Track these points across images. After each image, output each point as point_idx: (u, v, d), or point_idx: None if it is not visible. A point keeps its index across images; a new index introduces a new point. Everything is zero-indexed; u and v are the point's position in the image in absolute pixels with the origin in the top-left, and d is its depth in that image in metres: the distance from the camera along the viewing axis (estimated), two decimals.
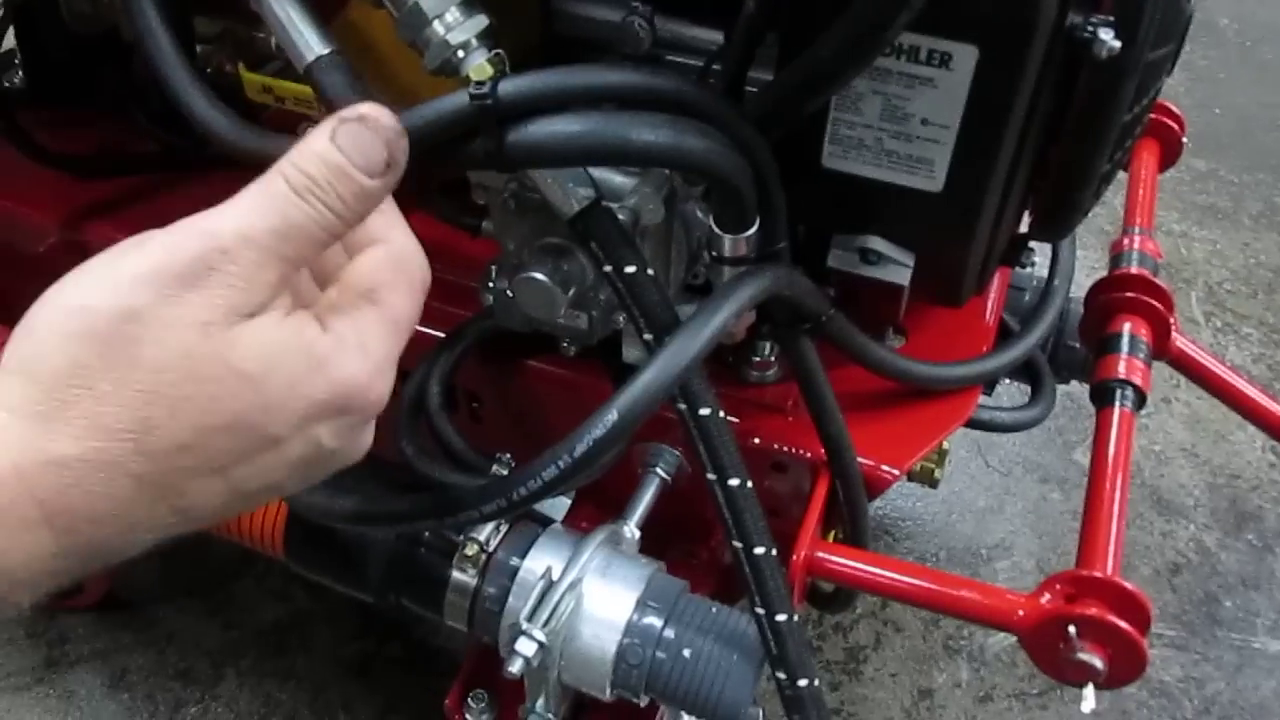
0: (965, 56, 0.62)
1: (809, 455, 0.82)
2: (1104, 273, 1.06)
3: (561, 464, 0.56)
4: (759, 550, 0.67)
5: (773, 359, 0.85)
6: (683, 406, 0.64)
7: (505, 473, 0.81)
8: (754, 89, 0.69)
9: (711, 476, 0.66)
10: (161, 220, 1.07)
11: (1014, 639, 1.25)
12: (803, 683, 0.69)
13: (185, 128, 1.06)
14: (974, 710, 1.22)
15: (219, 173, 1.07)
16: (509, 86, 0.55)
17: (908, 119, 0.66)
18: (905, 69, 0.63)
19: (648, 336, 0.65)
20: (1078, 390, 1.46)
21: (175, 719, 1.17)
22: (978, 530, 1.41)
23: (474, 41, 0.62)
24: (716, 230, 0.67)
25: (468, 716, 0.84)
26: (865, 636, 1.28)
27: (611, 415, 0.55)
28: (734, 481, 0.66)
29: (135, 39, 0.65)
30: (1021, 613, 0.76)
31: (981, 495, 1.45)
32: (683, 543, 0.95)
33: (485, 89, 0.54)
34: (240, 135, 0.61)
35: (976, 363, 0.87)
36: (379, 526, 0.72)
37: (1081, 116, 0.68)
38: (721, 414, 0.65)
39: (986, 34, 0.60)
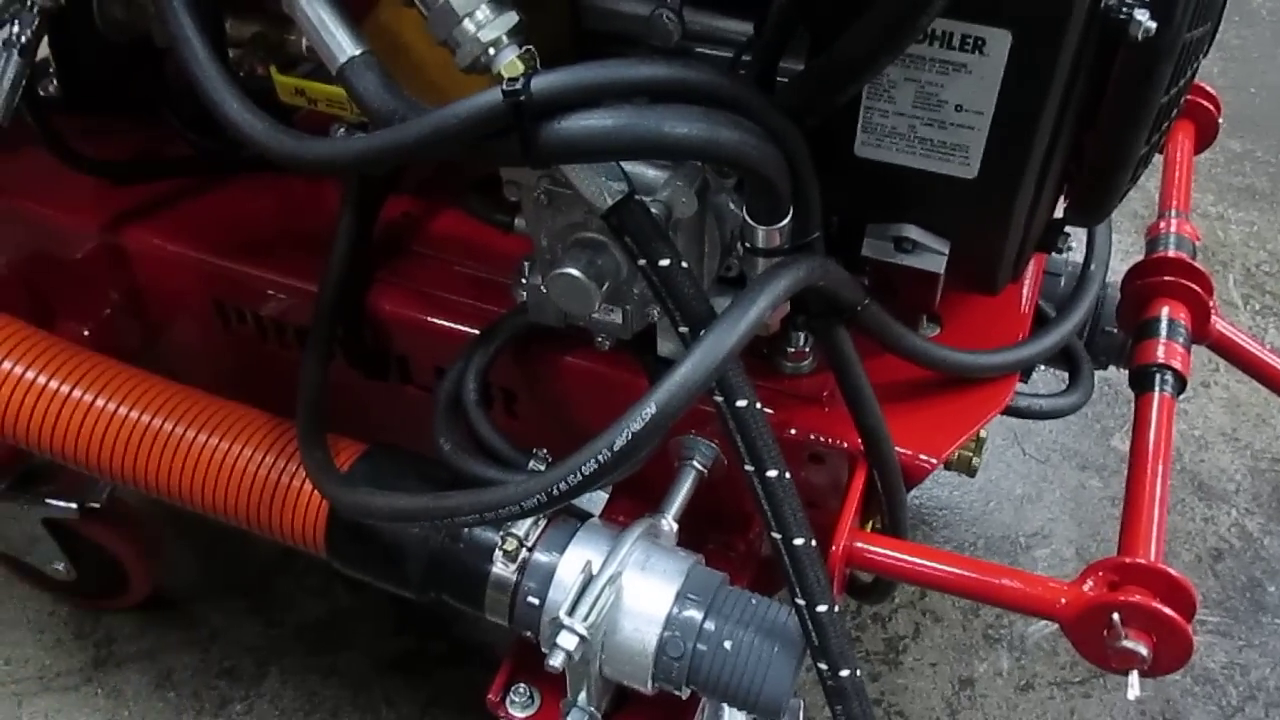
0: (999, 41, 0.61)
1: (846, 446, 0.82)
2: (1139, 257, 1.05)
3: (601, 458, 0.56)
4: (798, 541, 0.67)
5: (808, 350, 0.85)
6: (720, 398, 0.64)
7: (543, 468, 0.81)
8: (784, 79, 0.69)
9: (749, 468, 0.66)
10: (197, 223, 1.08)
11: (1055, 627, 1.25)
12: (844, 673, 0.69)
13: (218, 132, 1.08)
14: (1015, 699, 1.22)
15: (252, 176, 1.09)
16: (541, 83, 0.55)
17: (941, 105, 0.65)
18: (938, 55, 0.63)
19: (683, 329, 0.65)
20: (1115, 377, 1.44)
21: (222, 716, 1.19)
22: (1016, 519, 1.40)
23: (504, 39, 0.62)
24: (750, 222, 0.67)
25: (510, 710, 0.84)
26: (904, 627, 1.28)
27: (649, 409, 0.56)
28: (772, 473, 0.66)
29: (169, 44, 0.65)
30: (1064, 601, 0.76)
31: (1019, 483, 1.44)
32: (720, 535, 0.95)
33: (518, 85, 0.54)
34: (275, 138, 0.62)
35: (1013, 350, 0.86)
36: (419, 523, 0.73)
37: (1118, 99, 0.68)
38: (758, 405, 0.65)
39: (1020, 18, 0.60)
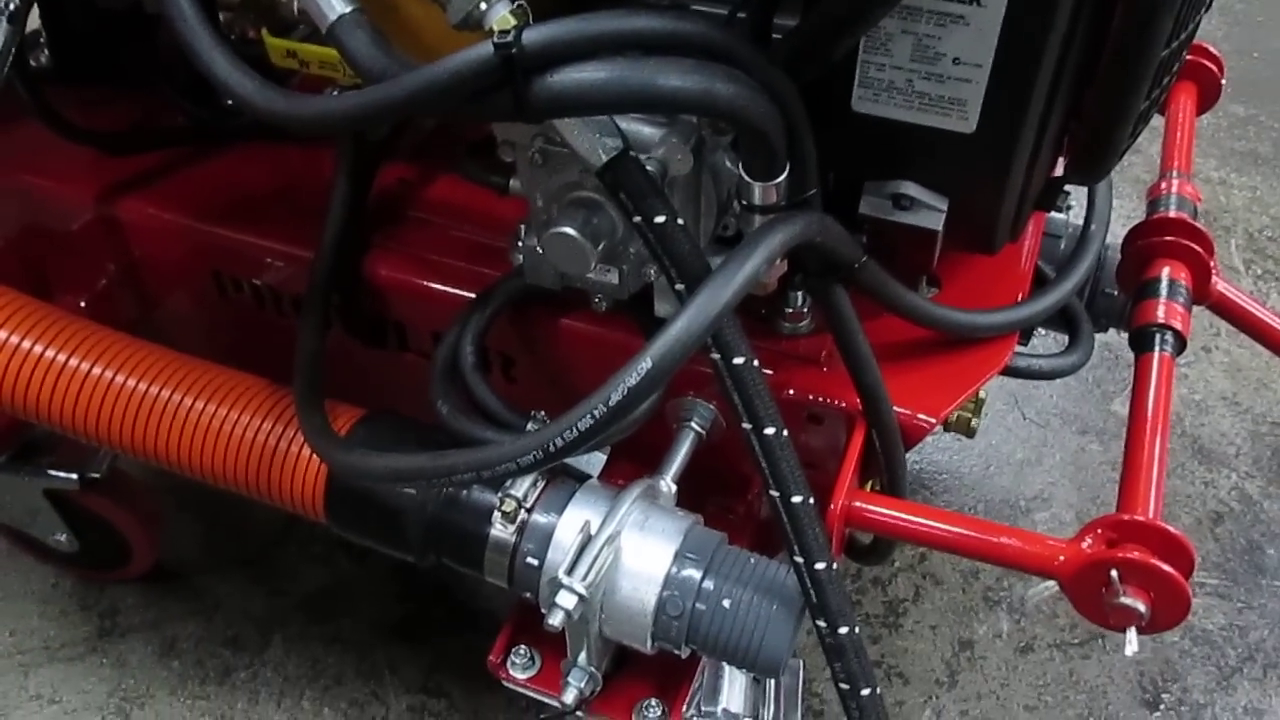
0: None
1: (844, 406, 0.82)
2: (1141, 221, 1.04)
3: (596, 413, 0.56)
4: (796, 499, 0.67)
5: (805, 310, 0.85)
6: (716, 356, 0.64)
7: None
8: (779, 35, 0.69)
9: (747, 426, 0.66)
10: (193, 193, 1.08)
11: (1054, 589, 1.25)
12: (843, 630, 0.69)
13: (212, 100, 1.08)
14: (1015, 661, 1.22)
15: (247, 145, 1.09)
16: (533, 35, 0.54)
17: (939, 59, 0.65)
18: (936, 7, 0.62)
19: (679, 287, 0.65)
20: (1115, 341, 1.44)
21: (225, 684, 1.19)
22: (1016, 482, 1.40)
23: None
24: (746, 178, 0.66)
25: (511, 672, 0.84)
26: (904, 590, 1.28)
27: (645, 363, 0.55)
28: (770, 430, 0.66)
29: (158, 8, 0.65)
30: (1062, 558, 0.76)
31: (1019, 447, 1.44)
32: (718, 498, 0.95)
33: (509, 38, 0.54)
34: (265, 97, 0.61)
35: (1012, 310, 0.86)
36: (417, 483, 0.72)
37: (1118, 52, 0.67)
38: (756, 362, 0.65)
39: None
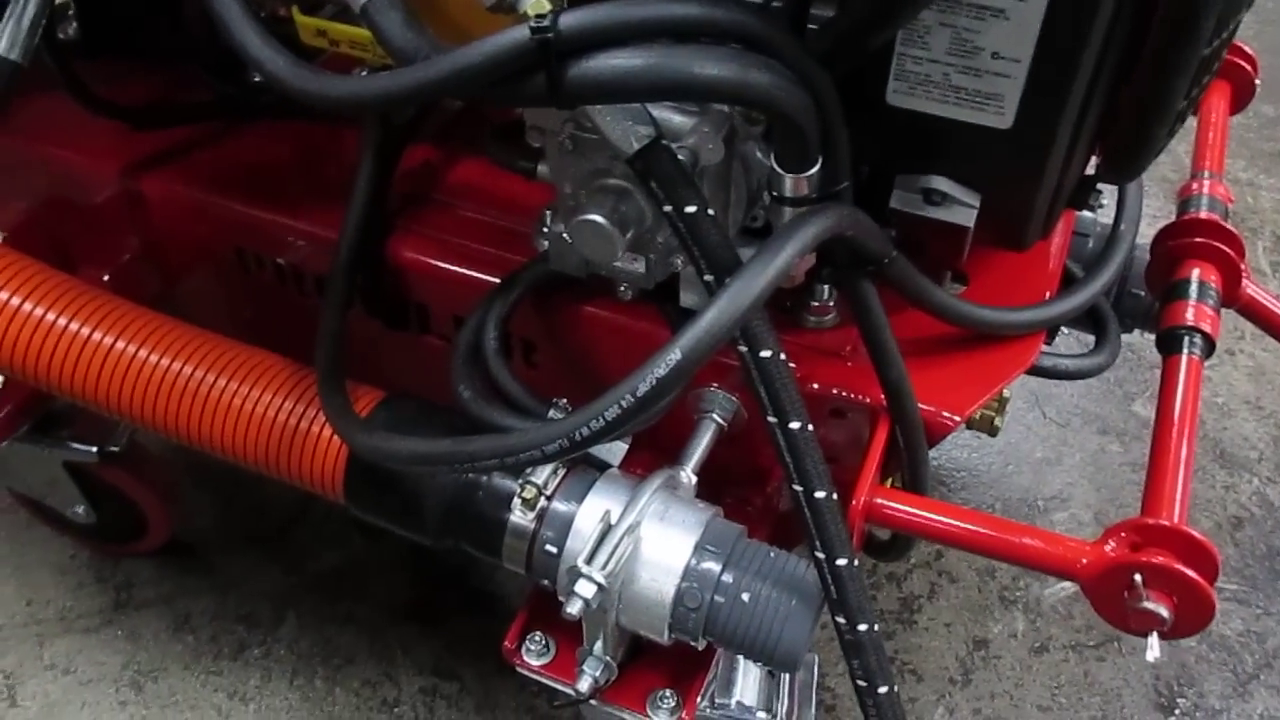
0: None
1: (868, 401, 0.81)
2: (1168, 221, 1.03)
3: (624, 403, 0.56)
4: (819, 494, 0.66)
5: (831, 304, 0.84)
6: (744, 348, 0.63)
7: (561, 416, 0.81)
8: (814, 25, 0.68)
9: (772, 419, 0.65)
10: (218, 169, 1.07)
11: (1071, 590, 1.25)
12: (862, 627, 0.69)
13: (239, 77, 1.08)
14: (1029, 661, 1.22)
15: (272, 122, 1.08)
16: (570, 20, 0.54)
17: (977, 53, 0.64)
18: (975, 0, 0.62)
19: (708, 277, 0.64)
20: (1139, 341, 1.43)
21: (239, 661, 1.20)
22: (1035, 481, 1.39)
23: None
24: (777, 169, 0.66)
25: (526, 658, 0.84)
26: (920, 586, 1.27)
27: (674, 355, 0.55)
28: (795, 424, 0.65)
29: None
30: (1085, 561, 0.75)
31: (1039, 446, 1.43)
32: (737, 489, 0.94)
33: (546, 22, 0.53)
34: (298, 76, 0.61)
35: (1041, 308, 0.85)
36: (440, 468, 0.72)
37: (1158, 51, 0.66)
38: (783, 356, 0.64)
39: None
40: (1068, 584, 1.26)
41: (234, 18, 0.63)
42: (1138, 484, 1.38)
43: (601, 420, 0.57)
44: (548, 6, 0.60)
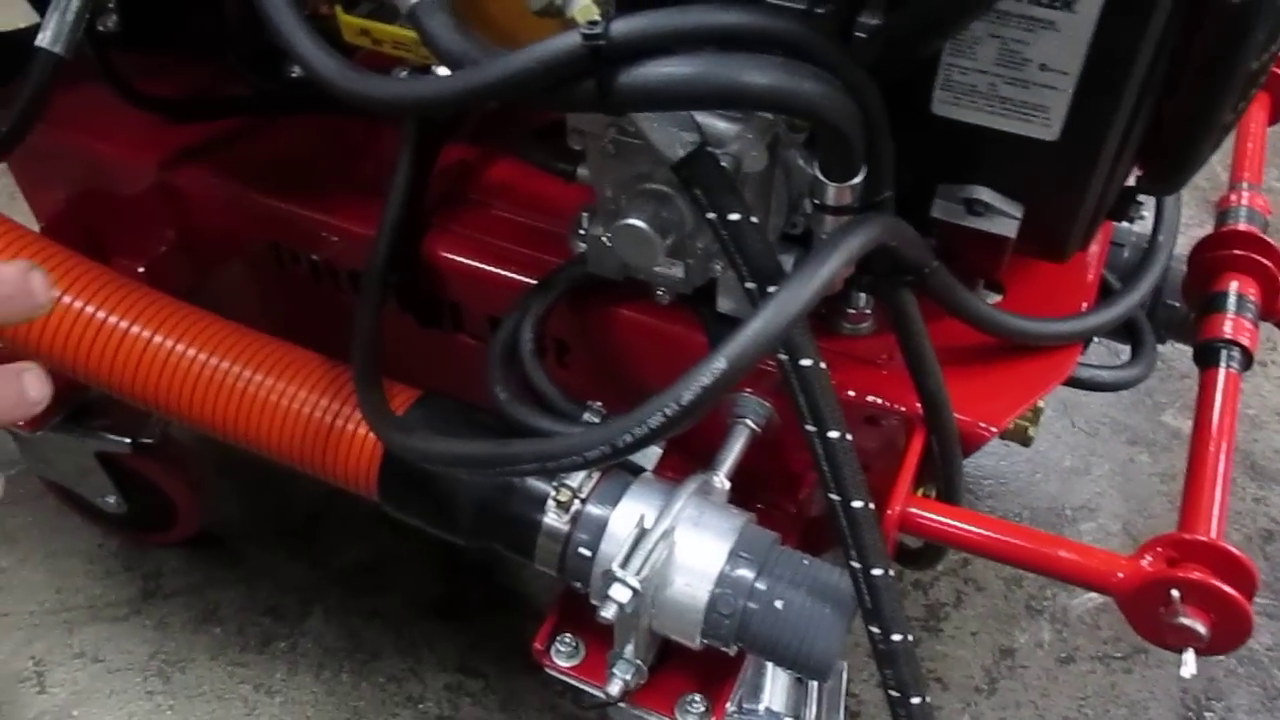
0: None
1: (904, 409, 0.81)
2: (1198, 229, 1.02)
3: (668, 411, 0.56)
4: (857, 504, 0.66)
5: (868, 311, 0.84)
6: (784, 356, 0.63)
7: (598, 420, 0.81)
8: (860, 34, 0.68)
9: (811, 428, 0.65)
10: (255, 164, 1.08)
11: (1098, 601, 1.24)
12: (896, 638, 0.69)
13: (276, 70, 1.08)
14: (1056, 671, 1.21)
15: (309, 117, 1.09)
16: (622, 26, 0.54)
17: (1025, 64, 0.63)
18: (1025, 11, 0.61)
19: (750, 285, 0.64)
20: (1169, 352, 1.42)
21: (265, 653, 1.20)
22: (1063, 490, 1.38)
23: None
24: (821, 178, 0.65)
25: (555, 660, 0.84)
26: (946, 594, 1.27)
27: (720, 363, 0.55)
28: (834, 434, 0.65)
29: None
30: (1121, 575, 0.75)
31: (1067, 455, 1.42)
32: (767, 494, 0.94)
33: (598, 29, 0.53)
34: (347, 78, 0.61)
35: (1081, 319, 0.84)
36: (481, 470, 0.72)
37: (1205, 64, 0.65)
38: (823, 365, 0.64)
39: None
40: (1095, 594, 1.25)
41: (283, 17, 0.63)
42: (1167, 495, 1.38)
43: (645, 427, 0.57)
44: (595, 11, 0.61)
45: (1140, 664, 1.21)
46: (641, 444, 0.58)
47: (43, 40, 0.90)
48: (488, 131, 1.01)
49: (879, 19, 0.64)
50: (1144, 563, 0.75)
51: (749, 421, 0.86)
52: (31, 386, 0.53)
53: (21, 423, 1.10)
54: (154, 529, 1.27)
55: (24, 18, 0.97)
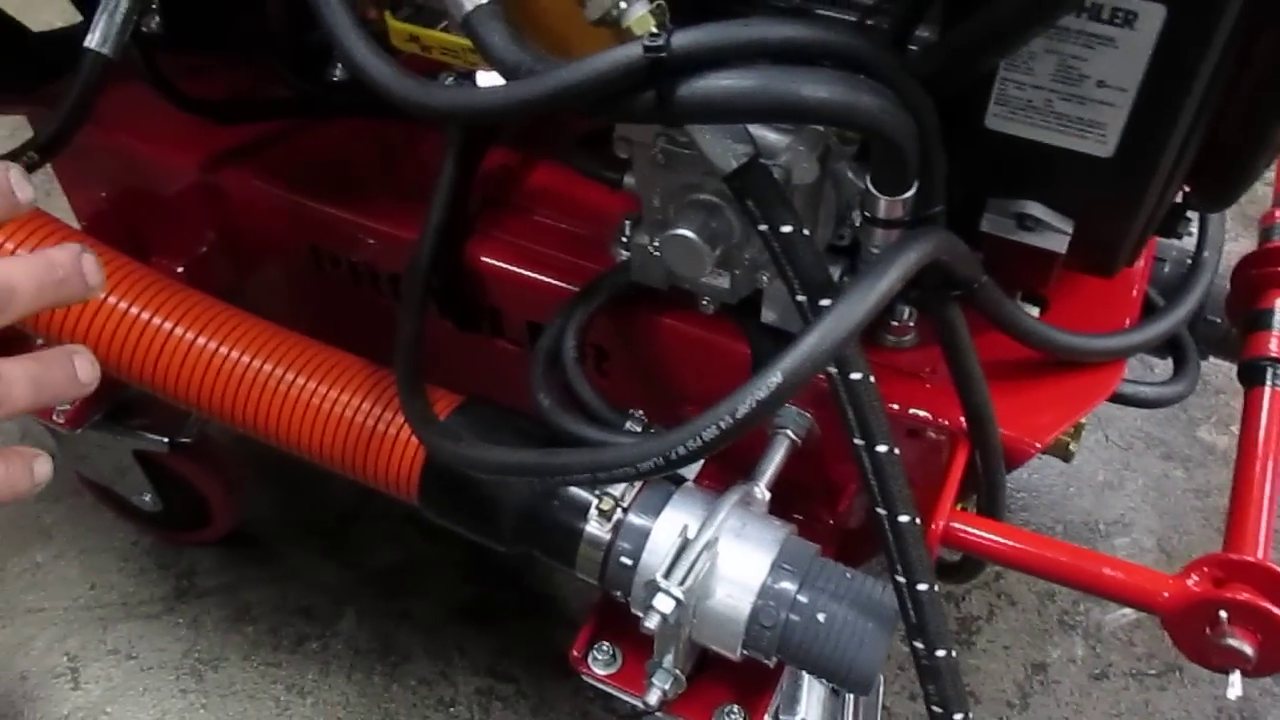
0: (1151, 16, 0.59)
1: (947, 423, 0.81)
2: (1235, 244, 1.01)
3: (723, 424, 0.56)
4: (903, 518, 0.66)
5: (912, 324, 0.84)
6: (834, 370, 0.63)
7: (638, 429, 0.81)
8: (914, 47, 0.68)
9: (859, 442, 0.65)
10: (296, 166, 1.08)
11: (1132, 617, 1.23)
12: (940, 653, 0.69)
13: (318, 73, 1.09)
14: (1089, 687, 1.20)
15: (349, 120, 1.09)
16: (683, 39, 0.54)
17: (1082, 80, 0.63)
18: (1084, 27, 0.61)
19: (801, 298, 0.64)
20: (1205, 366, 1.40)
21: (297, 653, 1.21)
22: (1096, 505, 1.37)
23: None
24: (873, 191, 0.65)
25: (592, 667, 0.84)
26: (979, 607, 1.26)
27: (775, 378, 0.55)
28: (882, 448, 0.65)
29: None
30: (1167, 594, 0.74)
31: (1101, 469, 1.42)
32: (805, 504, 0.94)
33: (660, 41, 0.53)
34: (403, 86, 0.61)
35: (1127, 335, 0.84)
36: (531, 479, 0.72)
37: (1263, 81, 0.65)
38: (872, 379, 0.64)
39: None
40: (1128, 610, 1.24)
41: (340, 24, 0.63)
42: (1202, 511, 1.37)
43: (698, 440, 0.57)
44: (652, 23, 0.61)
45: (1174, 681, 1.20)
46: (694, 457, 0.58)
47: (91, 41, 0.90)
48: (531, 137, 1.01)
49: (937, 33, 0.64)
50: (1190, 582, 0.74)
51: (789, 432, 0.86)
52: (82, 368, 0.54)
53: (62, 420, 1.11)
54: (188, 528, 1.28)
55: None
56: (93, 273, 0.55)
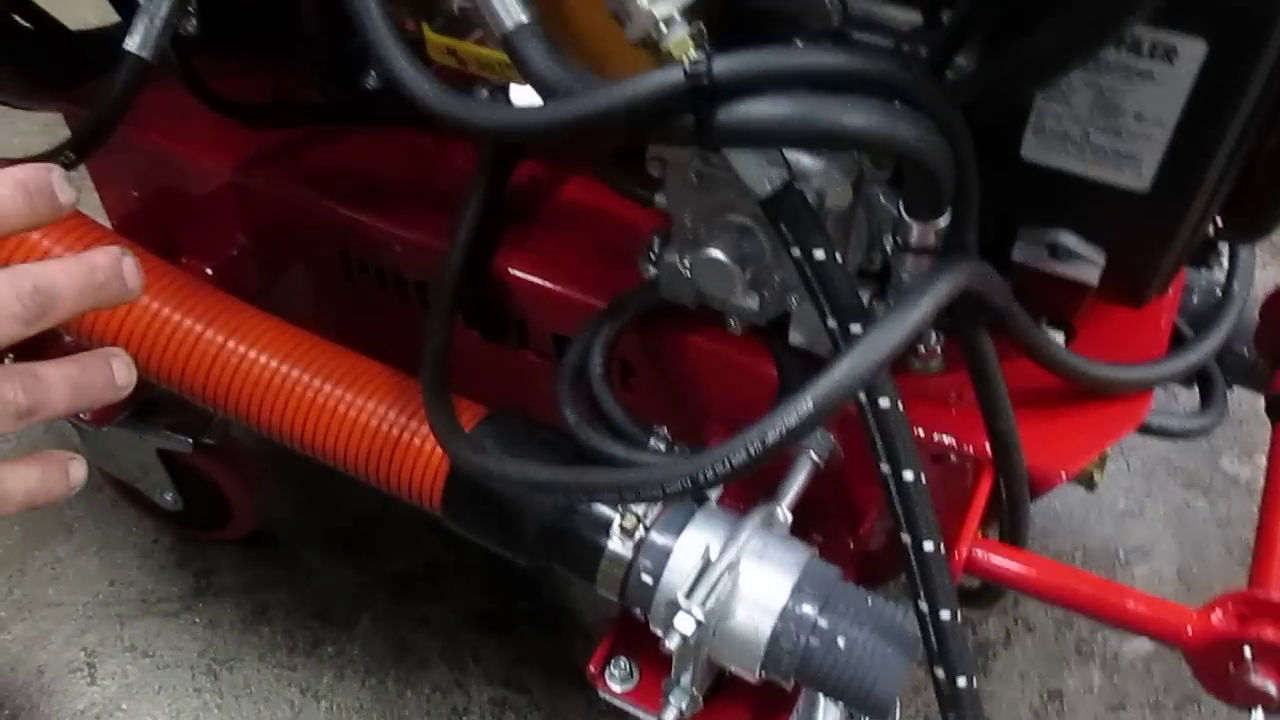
0: (1192, 50, 0.58)
1: (972, 450, 0.80)
2: (1260, 272, 1.00)
3: (752, 449, 0.56)
4: (928, 546, 0.66)
5: (939, 348, 0.83)
6: (863, 396, 0.63)
7: (662, 446, 0.81)
8: (951, 74, 0.67)
9: (886, 468, 0.65)
10: (328, 172, 1.08)
11: (1150, 647, 1.23)
12: (962, 682, 0.68)
13: (351, 80, 1.09)
14: (1105, 717, 1.19)
15: (381, 128, 1.10)
16: (725, 64, 0.54)
17: (1120, 113, 0.63)
18: (1124, 61, 0.61)
19: (832, 323, 0.64)
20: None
21: (313, 656, 1.21)
22: (1116, 532, 1.37)
23: (677, 16, 0.61)
24: (906, 218, 0.65)
25: (609, 683, 0.84)
26: (995, 633, 1.26)
27: (806, 405, 0.55)
28: (909, 475, 0.65)
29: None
30: (1191, 630, 0.74)
31: (1122, 496, 1.41)
32: (823, 525, 0.94)
33: (701, 66, 0.53)
34: (444, 103, 0.62)
35: (1156, 365, 0.84)
36: (553, 495, 0.73)
37: None
38: (901, 406, 0.64)
39: (1219, 28, 0.57)
40: (1146, 640, 1.24)
41: (382, 37, 0.64)
42: (1223, 542, 1.36)
43: (727, 464, 0.57)
44: (691, 46, 0.61)
45: (1192, 714, 1.19)
46: (722, 480, 0.58)
47: (131, 44, 0.91)
48: (562, 150, 1.01)
49: (975, 62, 0.64)
50: (1214, 618, 0.74)
51: (812, 454, 0.86)
52: (120, 372, 0.55)
53: (89, 417, 1.12)
54: (208, 526, 1.29)
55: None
56: (132, 276, 0.56)
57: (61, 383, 0.52)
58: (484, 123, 0.60)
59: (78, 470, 0.55)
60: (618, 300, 0.86)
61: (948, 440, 0.81)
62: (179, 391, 0.91)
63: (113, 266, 0.55)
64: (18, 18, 1.10)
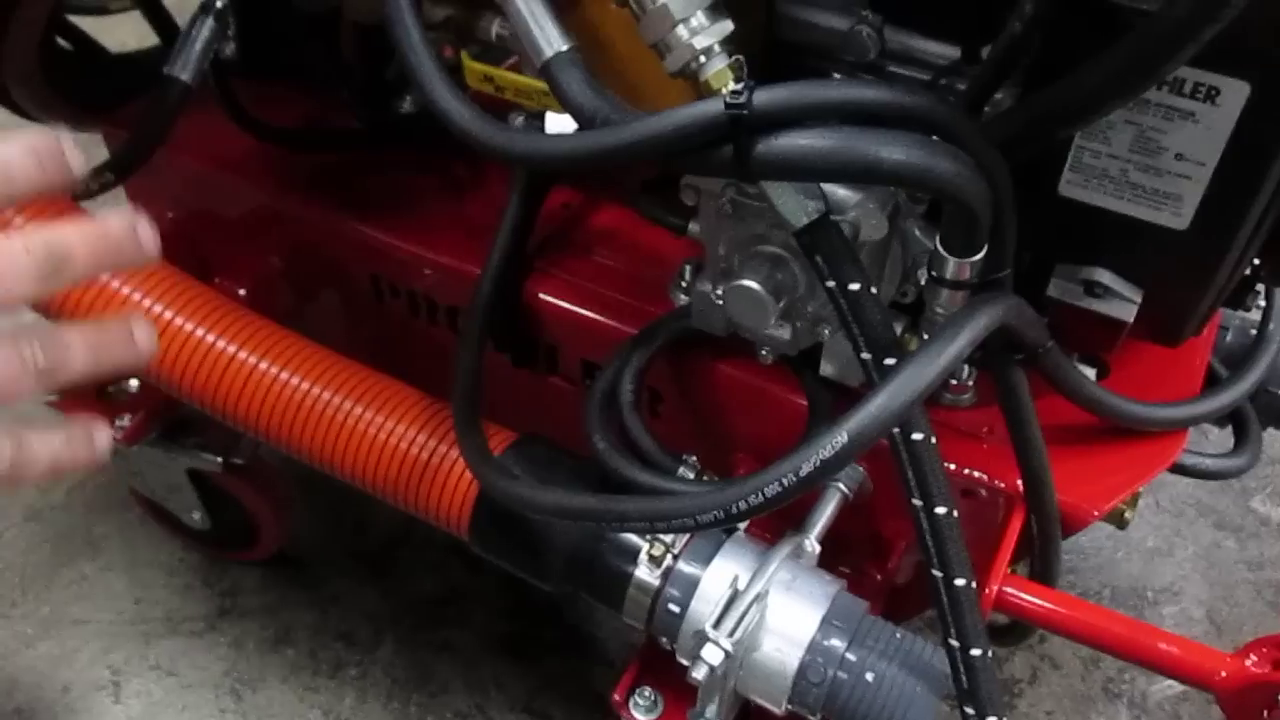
0: (1235, 92, 0.58)
1: (1003, 485, 0.80)
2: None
3: (785, 481, 0.56)
4: (960, 582, 0.65)
5: (971, 383, 0.83)
6: (896, 430, 0.63)
7: (692, 475, 0.81)
8: (988, 109, 0.68)
9: (918, 503, 0.64)
10: (362, 196, 1.09)
11: (1178, 689, 1.21)
12: None
13: (386, 105, 1.10)
14: None
15: (413, 154, 1.11)
16: (764, 97, 0.54)
17: (1160, 152, 0.63)
18: (1165, 100, 0.61)
19: (865, 356, 0.64)
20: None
21: (335, 679, 1.21)
22: (1145, 571, 1.35)
23: (717, 47, 0.61)
24: (942, 252, 0.65)
25: (633, 712, 0.84)
26: (1022, 670, 1.24)
27: (841, 438, 0.55)
28: (941, 510, 0.64)
29: (385, 26, 0.66)
30: (1224, 674, 0.73)
31: (1151, 535, 1.39)
32: (851, 558, 0.93)
33: (741, 98, 0.54)
34: (485, 132, 0.62)
35: (1191, 404, 0.83)
36: (584, 523, 0.73)
37: None
38: (934, 440, 0.64)
39: (1264, 70, 0.57)
40: (1174, 683, 1.22)
41: (423, 65, 0.64)
42: (1253, 583, 1.34)
43: (760, 496, 0.57)
44: (730, 77, 0.61)
45: None
46: (755, 512, 0.58)
47: (172, 69, 0.93)
48: (595, 177, 1.02)
49: (1014, 98, 0.64)
50: (1248, 662, 0.73)
51: (841, 485, 0.85)
52: (141, 335, 0.54)
53: (120, 435, 1.13)
54: (234, 546, 1.29)
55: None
56: (147, 239, 0.55)
57: (80, 343, 0.52)
58: (525, 151, 0.60)
59: (102, 435, 0.54)
60: (648, 328, 0.87)
61: (979, 475, 0.81)
62: (210, 411, 0.92)
63: (127, 229, 0.54)
64: (60, 40, 1.11)
